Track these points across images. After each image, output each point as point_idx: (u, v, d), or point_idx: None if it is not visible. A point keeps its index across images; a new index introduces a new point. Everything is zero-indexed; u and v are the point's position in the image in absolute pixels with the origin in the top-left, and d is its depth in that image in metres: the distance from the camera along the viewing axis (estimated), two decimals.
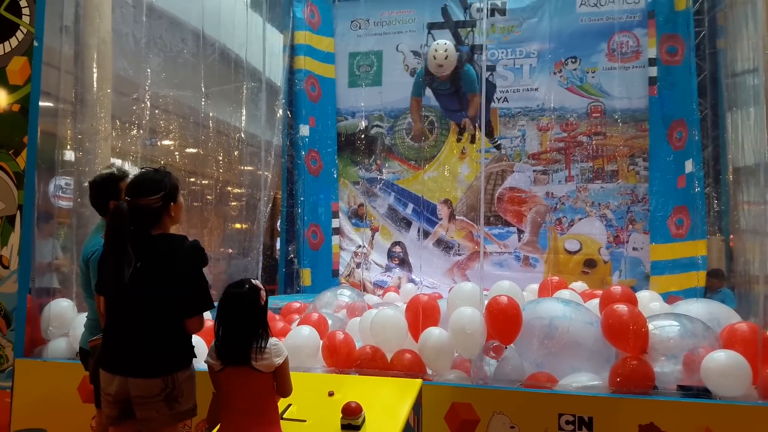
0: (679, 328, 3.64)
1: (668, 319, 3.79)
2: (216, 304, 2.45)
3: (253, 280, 2.42)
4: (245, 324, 2.33)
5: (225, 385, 2.38)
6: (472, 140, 8.49)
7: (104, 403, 2.49)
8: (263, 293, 2.40)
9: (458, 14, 8.55)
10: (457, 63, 7.98)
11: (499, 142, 8.42)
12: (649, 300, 5.00)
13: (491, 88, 8.35)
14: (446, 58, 7.81)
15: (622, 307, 3.68)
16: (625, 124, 8.00)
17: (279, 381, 2.40)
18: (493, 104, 8.41)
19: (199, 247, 2.47)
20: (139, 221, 2.45)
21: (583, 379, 3.54)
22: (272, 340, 2.40)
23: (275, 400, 2.45)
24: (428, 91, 8.63)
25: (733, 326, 3.69)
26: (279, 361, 2.36)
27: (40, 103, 4.34)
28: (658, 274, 7.39)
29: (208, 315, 2.60)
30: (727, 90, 6.96)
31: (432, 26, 8.55)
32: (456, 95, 8.25)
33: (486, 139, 8.35)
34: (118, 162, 5.28)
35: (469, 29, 8.44)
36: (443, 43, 7.92)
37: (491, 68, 8.35)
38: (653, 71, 7.77)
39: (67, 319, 4.28)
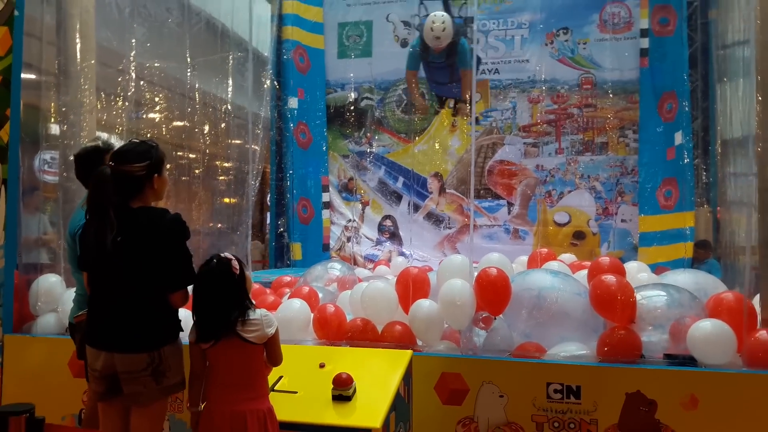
0: (667, 298, 3.67)
1: (656, 289, 3.83)
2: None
3: (221, 254, 2.42)
4: (219, 297, 2.34)
5: (214, 360, 2.38)
6: (455, 113, 8.42)
7: (91, 379, 2.50)
8: (234, 263, 2.40)
9: None
10: (453, 36, 7.82)
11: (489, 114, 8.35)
12: (637, 271, 5.04)
13: (477, 61, 8.25)
14: (444, 30, 7.64)
15: (610, 278, 3.71)
16: (615, 95, 7.97)
17: (270, 350, 2.43)
18: (484, 76, 8.32)
19: (180, 220, 2.44)
20: (120, 188, 2.41)
21: (572, 348, 3.58)
22: (261, 311, 2.41)
23: (265, 373, 2.47)
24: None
25: (718, 296, 3.73)
26: (271, 331, 2.38)
27: (23, 75, 4.25)
28: (647, 246, 7.44)
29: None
30: (718, 62, 6.93)
31: None
32: (448, 69, 8.10)
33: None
34: (104, 135, 5.20)
35: (463, 1, 8.29)
36: (441, 15, 7.74)
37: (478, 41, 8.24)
38: (645, 42, 7.72)
39: (56, 295, 4.26)
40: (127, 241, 2.38)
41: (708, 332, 3.32)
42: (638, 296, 3.64)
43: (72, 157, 3.19)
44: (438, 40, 7.73)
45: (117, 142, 2.95)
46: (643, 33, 7.74)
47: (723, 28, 6.73)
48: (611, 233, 7.81)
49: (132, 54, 5.54)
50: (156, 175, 2.49)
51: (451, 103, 8.55)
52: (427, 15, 8.09)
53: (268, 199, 9.07)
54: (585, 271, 4.58)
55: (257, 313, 2.39)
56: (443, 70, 8.16)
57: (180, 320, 2.53)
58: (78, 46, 4.85)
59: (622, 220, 7.83)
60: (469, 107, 8.19)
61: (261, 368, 2.43)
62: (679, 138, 7.31)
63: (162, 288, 2.41)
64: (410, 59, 8.35)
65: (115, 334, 2.40)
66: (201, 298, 2.39)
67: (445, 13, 7.83)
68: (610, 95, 7.98)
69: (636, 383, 3.24)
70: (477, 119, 8.26)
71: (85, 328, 2.59)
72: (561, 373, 3.35)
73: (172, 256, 2.40)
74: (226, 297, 2.35)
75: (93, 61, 4.97)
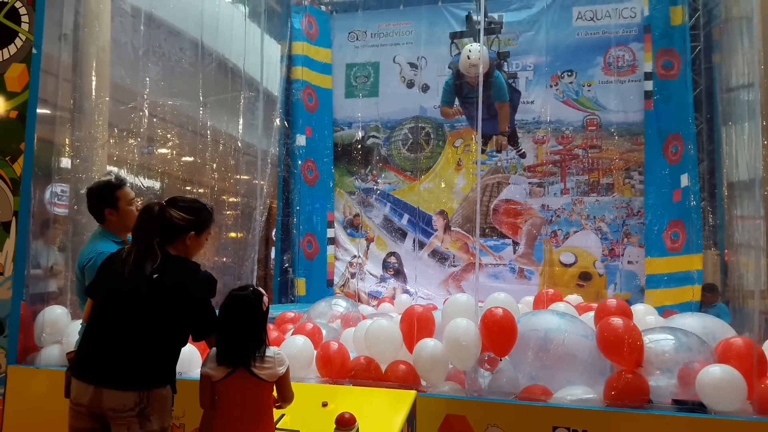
0: (674, 341, 3.63)
1: (663, 332, 3.79)
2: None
3: (256, 286, 2.46)
4: (247, 326, 2.36)
5: (223, 394, 2.37)
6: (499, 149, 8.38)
7: (72, 414, 2.42)
8: (266, 299, 2.43)
9: (456, 27, 8.61)
10: (488, 69, 7.73)
11: (523, 149, 8.36)
12: (644, 313, 5.00)
13: (516, 94, 8.29)
14: (479, 57, 7.39)
15: (617, 320, 3.68)
16: (620, 137, 8.05)
17: (281, 389, 2.42)
18: None
19: (213, 278, 2.50)
20: (159, 229, 2.47)
21: (578, 392, 3.53)
22: (274, 349, 2.41)
23: (272, 411, 2.45)
24: (423, 101, 8.64)
25: (728, 341, 3.69)
26: (281, 370, 2.38)
27: (38, 110, 4.33)
28: (653, 288, 7.39)
29: None
30: (723, 104, 7.01)
31: (455, 36, 8.51)
32: (484, 104, 7.98)
33: (510, 148, 8.38)
34: (114, 170, 5.28)
35: (495, 36, 8.37)
36: (477, 45, 7.67)
37: (513, 76, 8.31)
38: (649, 85, 7.82)
39: (61, 327, 4.25)
40: (161, 283, 2.38)
41: (718, 378, 3.27)
42: (646, 340, 3.60)
43: (84, 191, 3.24)
44: (474, 67, 7.50)
45: (129, 177, 3.00)
46: (647, 76, 7.85)
47: (727, 72, 6.83)
48: (618, 275, 7.78)
49: (145, 92, 5.67)
50: (193, 233, 2.52)
51: (457, 141, 8.63)
52: (459, 53, 8.13)
53: (274, 234, 9.10)
54: (591, 313, 4.55)
55: (270, 351, 2.39)
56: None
57: (175, 373, 2.52)
58: (93, 84, 4.97)
59: (629, 262, 7.80)
60: (505, 141, 8.22)
61: (268, 406, 2.41)
62: (685, 180, 7.34)
63: (188, 333, 2.47)
64: (444, 95, 8.26)
65: (108, 369, 2.35)
66: (227, 322, 2.39)
67: (480, 45, 7.79)
68: (615, 137, 8.05)
69: (643, 429, 3.18)
70: (520, 153, 8.27)
71: (73, 362, 2.54)
72: (567, 416, 3.30)
73: (202, 308, 2.43)
74: (250, 327, 2.36)
75: (107, 98, 5.09)
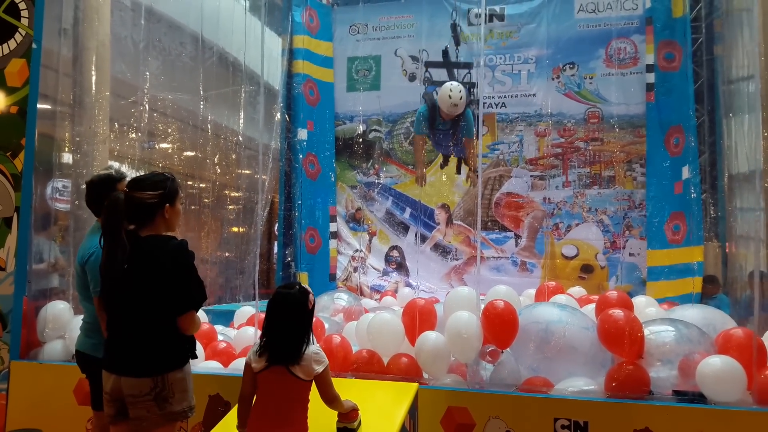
0: (675, 333, 3.65)
1: (664, 324, 3.80)
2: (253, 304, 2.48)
3: (302, 285, 2.45)
4: (292, 324, 2.33)
5: (261, 387, 2.37)
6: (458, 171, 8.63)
7: (104, 402, 2.55)
8: (312, 297, 2.42)
9: (457, 20, 8.59)
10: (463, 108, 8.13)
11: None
12: (645, 305, 5.01)
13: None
14: (461, 99, 7.95)
15: (618, 312, 3.69)
16: (622, 129, 8.01)
17: (320, 388, 2.40)
18: (491, 109, 8.43)
19: (183, 246, 2.48)
20: (132, 215, 2.48)
21: (579, 383, 3.55)
22: (314, 348, 2.39)
23: (306, 409, 2.42)
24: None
25: (728, 332, 3.70)
26: (318, 369, 2.35)
27: (38, 106, 4.34)
28: (655, 280, 7.38)
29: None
30: (724, 96, 7.00)
31: (429, 65, 8.67)
32: (452, 136, 8.44)
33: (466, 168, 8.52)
34: (116, 165, 5.29)
35: (467, 71, 8.50)
36: (457, 85, 8.07)
37: (476, 102, 8.42)
38: (651, 77, 7.78)
39: (64, 322, 4.27)
40: (135, 268, 2.44)
41: (718, 369, 3.29)
42: (646, 331, 3.62)
43: (84, 185, 3.24)
44: (455, 107, 7.99)
45: (130, 172, 3.01)
46: (649, 68, 7.80)
47: (728, 64, 6.82)
48: (619, 267, 7.77)
49: (146, 86, 5.67)
50: (168, 204, 2.53)
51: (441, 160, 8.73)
52: (431, 84, 8.49)
53: (276, 228, 9.11)
54: (593, 305, 4.56)
55: (310, 349, 2.36)
56: (447, 136, 8.49)
57: (190, 347, 2.54)
58: (93, 78, 4.98)
59: (630, 254, 7.79)
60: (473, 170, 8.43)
61: (303, 403, 2.38)
62: (686, 172, 7.32)
63: (169, 312, 2.43)
64: (417, 125, 8.55)
65: (122, 358, 2.46)
66: (273, 319, 2.36)
67: (459, 84, 8.14)
68: (617, 129, 8.01)
69: (644, 420, 3.20)
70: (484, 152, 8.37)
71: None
72: (569, 408, 3.31)
73: (178, 281, 2.42)
74: (295, 326, 2.33)
75: (107, 93, 5.09)
